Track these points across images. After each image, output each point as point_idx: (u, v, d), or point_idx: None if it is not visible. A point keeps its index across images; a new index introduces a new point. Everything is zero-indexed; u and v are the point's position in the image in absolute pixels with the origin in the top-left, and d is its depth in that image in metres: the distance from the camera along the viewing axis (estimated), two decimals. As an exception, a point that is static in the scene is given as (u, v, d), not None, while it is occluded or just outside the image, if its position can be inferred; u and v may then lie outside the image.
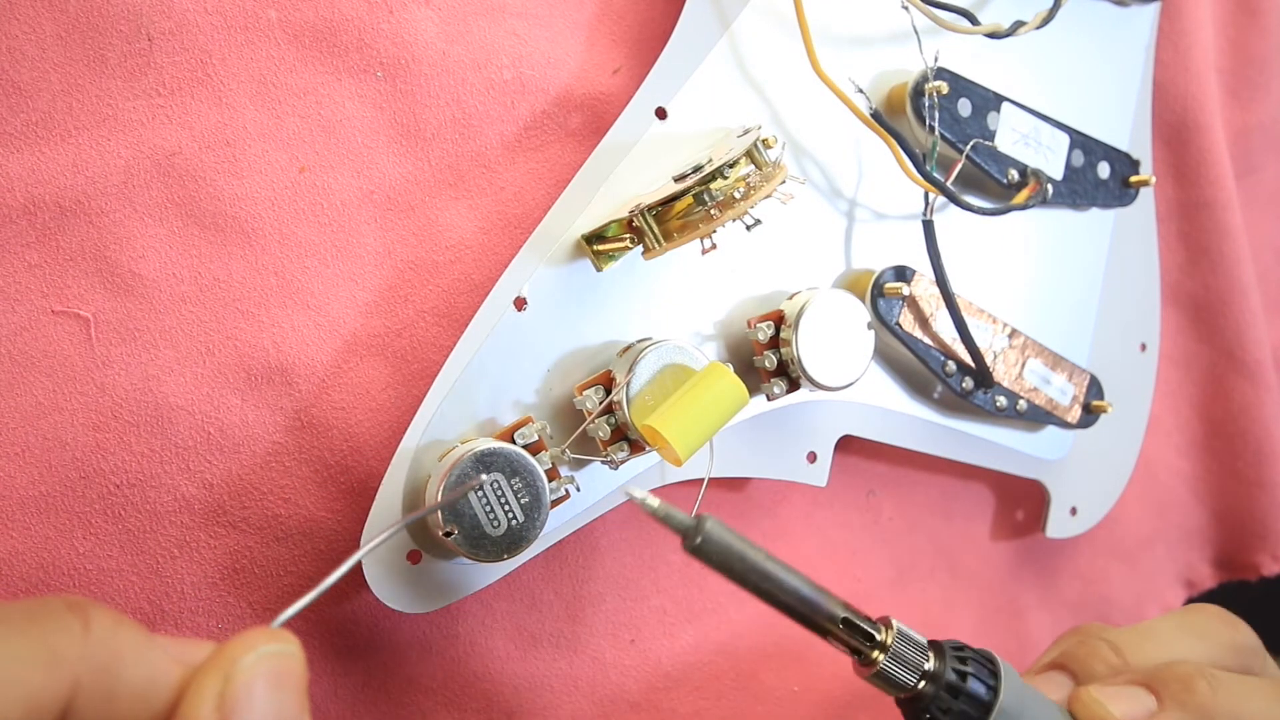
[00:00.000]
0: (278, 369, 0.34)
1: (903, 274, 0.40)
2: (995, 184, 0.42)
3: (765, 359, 0.37)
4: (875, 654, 0.31)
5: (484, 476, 0.32)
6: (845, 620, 0.31)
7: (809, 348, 0.36)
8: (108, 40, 0.32)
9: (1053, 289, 0.46)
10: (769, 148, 0.34)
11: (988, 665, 0.32)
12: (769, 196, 0.33)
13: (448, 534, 0.32)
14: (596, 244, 0.34)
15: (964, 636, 0.49)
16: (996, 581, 0.50)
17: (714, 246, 0.33)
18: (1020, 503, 0.50)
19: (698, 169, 0.33)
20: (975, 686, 0.32)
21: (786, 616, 0.31)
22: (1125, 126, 0.47)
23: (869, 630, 0.31)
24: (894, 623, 0.32)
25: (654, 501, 0.29)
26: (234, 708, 0.19)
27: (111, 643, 0.19)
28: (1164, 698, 0.33)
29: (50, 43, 0.32)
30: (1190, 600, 0.56)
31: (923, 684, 0.32)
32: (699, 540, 0.29)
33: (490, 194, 0.37)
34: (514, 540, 0.32)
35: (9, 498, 0.32)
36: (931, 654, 0.32)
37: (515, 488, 0.32)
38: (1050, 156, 0.44)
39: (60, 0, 0.32)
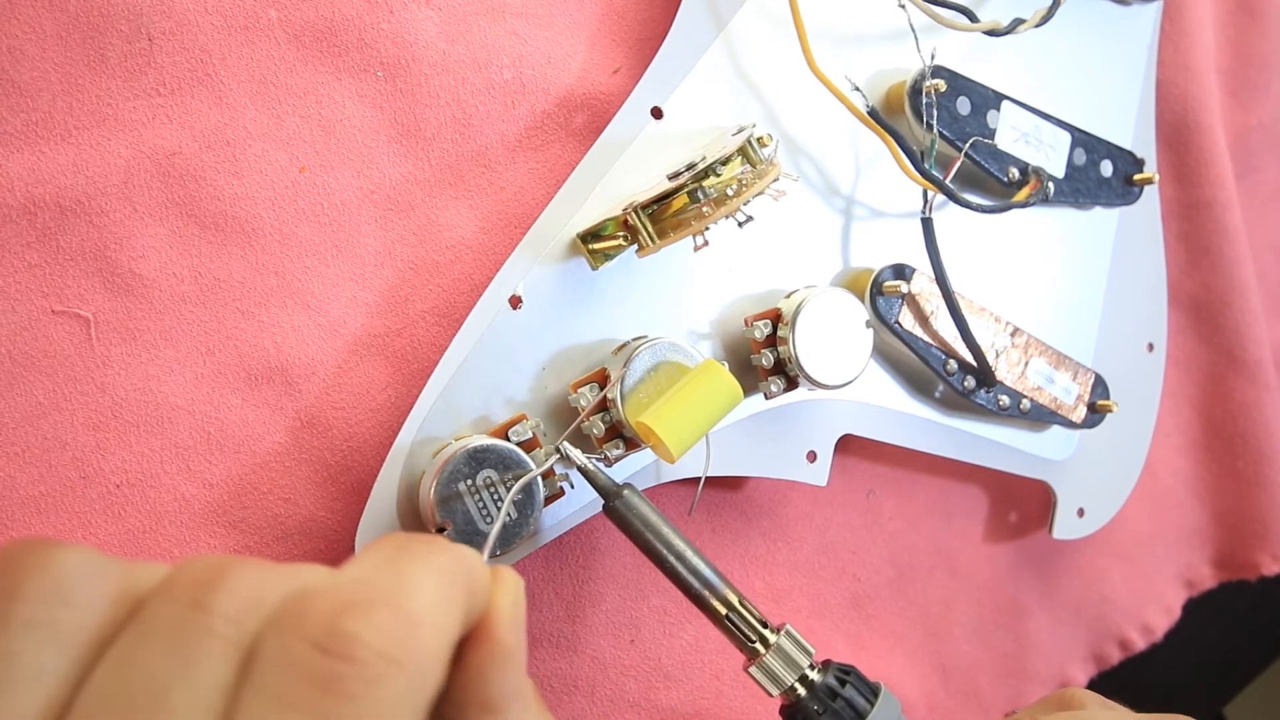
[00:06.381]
0: (278, 369, 0.34)
1: (902, 272, 0.40)
2: (996, 182, 0.42)
3: (762, 357, 0.37)
4: (760, 647, 0.32)
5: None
6: (740, 607, 0.32)
7: (806, 346, 0.36)
8: (108, 40, 0.32)
9: (1057, 288, 0.45)
10: (764, 146, 0.34)
11: (869, 685, 0.33)
12: (761, 193, 0.33)
13: (441, 530, 0.32)
14: (592, 242, 0.34)
15: (964, 636, 0.49)
16: (996, 581, 0.50)
17: (706, 244, 0.33)
18: (1021, 503, 0.50)
19: (691, 167, 0.33)
20: (851, 694, 0.32)
21: (685, 595, 0.32)
22: (1128, 125, 0.47)
23: (759, 623, 0.32)
24: (788, 627, 0.33)
25: (582, 459, 0.31)
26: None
27: None
28: None
29: (50, 42, 0.32)
30: (1190, 601, 0.56)
31: (800, 689, 0.32)
32: (615, 503, 0.31)
33: (490, 194, 0.37)
34: (507, 536, 0.32)
35: (9, 498, 0.32)
36: (818, 666, 0.33)
37: (508, 484, 0.32)
38: (1052, 155, 0.43)
39: (60, 0, 0.32)
